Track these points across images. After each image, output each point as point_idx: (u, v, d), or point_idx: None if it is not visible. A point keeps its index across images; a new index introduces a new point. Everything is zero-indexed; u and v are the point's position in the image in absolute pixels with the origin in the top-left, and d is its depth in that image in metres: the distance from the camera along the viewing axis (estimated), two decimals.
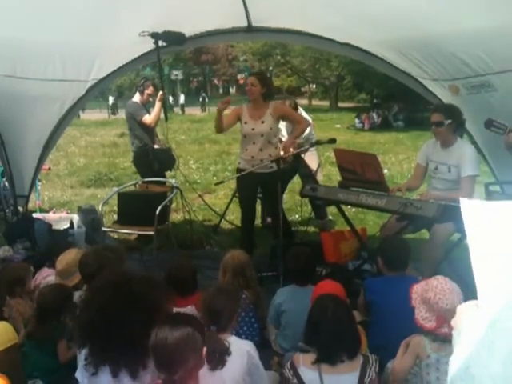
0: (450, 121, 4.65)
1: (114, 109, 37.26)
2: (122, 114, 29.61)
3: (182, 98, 37.75)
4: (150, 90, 6.87)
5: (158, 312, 2.56)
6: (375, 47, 5.35)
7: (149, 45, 5.57)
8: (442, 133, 4.75)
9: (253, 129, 5.44)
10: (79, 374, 2.65)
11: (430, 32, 4.16)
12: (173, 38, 5.46)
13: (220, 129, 5.59)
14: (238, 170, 5.63)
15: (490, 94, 4.51)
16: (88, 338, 2.52)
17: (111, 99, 37.57)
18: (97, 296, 2.59)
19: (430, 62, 4.81)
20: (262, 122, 5.43)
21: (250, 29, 5.63)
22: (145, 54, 5.98)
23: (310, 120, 6.97)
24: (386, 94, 29.92)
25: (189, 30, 5.57)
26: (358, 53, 5.60)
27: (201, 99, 39.78)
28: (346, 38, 5.40)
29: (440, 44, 4.36)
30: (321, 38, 5.53)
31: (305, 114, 6.97)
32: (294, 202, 8.56)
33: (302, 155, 6.54)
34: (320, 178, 7.12)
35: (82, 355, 2.60)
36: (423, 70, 5.05)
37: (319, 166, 7.18)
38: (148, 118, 6.64)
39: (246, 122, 5.50)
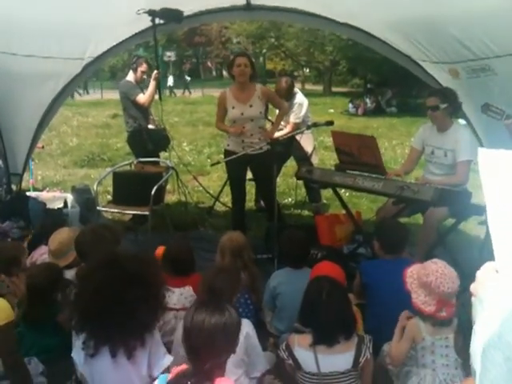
0: (445, 105, 4.63)
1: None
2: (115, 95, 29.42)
3: (170, 80, 37.03)
4: (143, 68, 6.75)
5: (153, 288, 2.57)
6: (375, 28, 5.30)
7: (145, 22, 5.51)
8: (438, 117, 4.73)
9: (242, 113, 5.36)
10: (76, 355, 2.65)
11: (433, 13, 4.13)
12: (170, 16, 5.38)
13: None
14: (226, 152, 5.59)
15: (489, 77, 4.50)
16: (87, 323, 2.51)
17: None
18: (91, 279, 2.57)
19: (430, 45, 4.79)
20: (251, 106, 5.36)
21: (248, 7, 5.56)
22: (141, 32, 5.90)
23: (306, 101, 6.94)
24: (379, 79, 29.84)
25: (187, 9, 5.50)
26: (357, 33, 5.55)
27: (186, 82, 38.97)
28: (346, 18, 5.34)
29: (442, 26, 4.34)
30: (320, 17, 5.47)
31: (301, 95, 6.94)
32: (287, 186, 8.56)
33: (298, 137, 6.52)
34: (315, 161, 7.08)
35: (79, 339, 2.57)
36: (423, 53, 5.02)
37: (314, 148, 7.14)
38: (142, 98, 6.55)
39: (233, 107, 5.40)
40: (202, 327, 2.16)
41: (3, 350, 2.87)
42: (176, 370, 2.23)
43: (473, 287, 1.31)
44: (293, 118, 6.70)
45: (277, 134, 6.24)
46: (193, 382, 2.11)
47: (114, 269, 2.53)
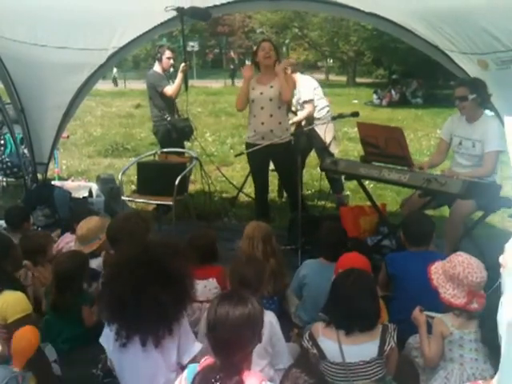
0: (474, 95, 4.57)
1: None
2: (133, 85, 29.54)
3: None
4: (167, 54, 6.75)
5: (181, 278, 2.59)
6: (403, 18, 5.21)
7: (170, 13, 5.51)
8: (467, 107, 4.67)
9: (261, 93, 5.39)
10: (105, 341, 2.68)
11: (461, 3, 4.06)
12: (198, 14, 5.42)
13: (243, 103, 5.53)
14: (247, 145, 5.60)
15: None
16: (118, 313, 2.54)
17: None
18: (120, 271, 2.59)
19: (459, 35, 4.68)
20: (271, 87, 5.38)
21: None
22: (166, 22, 5.89)
23: (326, 101, 6.91)
24: (404, 70, 29.53)
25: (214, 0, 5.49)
26: (384, 23, 5.45)
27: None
28: (372, 8, 5.27)
29: (470, 17, 4.24)
30: (346, 6, 5.39)
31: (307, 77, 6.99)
32: (309, 177, 8.51)
33: (317, 128, 6.46)
34: (335, 150, 6.95)
35: (112, 329, 2.59)
36: (452, 43, 4.92)
37: (334, 138, 6.98)
38: (170, 89, 6.55)
39: (253, 88, 5.46)
40: (227, 320, 2.14)
41: None
42: (204, 363, 2.21)
43: (502, 258, 1.29)
44: (304, 97, 6.66)
45: (296, 118, 6.46)
46: (221, 377, 2.09)
47: (144, 261, 2.55)
